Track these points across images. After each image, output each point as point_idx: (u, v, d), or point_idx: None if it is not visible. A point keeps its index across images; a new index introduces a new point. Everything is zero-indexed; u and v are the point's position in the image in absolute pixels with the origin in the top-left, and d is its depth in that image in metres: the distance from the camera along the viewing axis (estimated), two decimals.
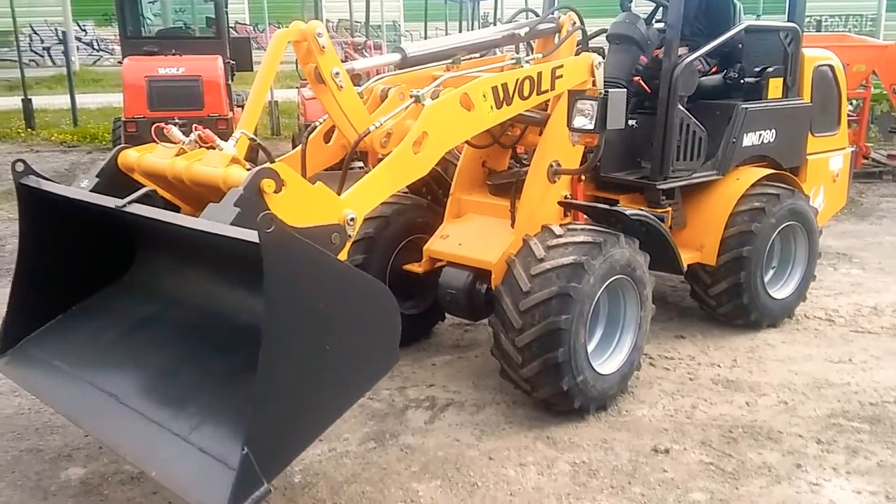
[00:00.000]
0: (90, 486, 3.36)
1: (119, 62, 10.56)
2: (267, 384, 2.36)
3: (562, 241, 3.75)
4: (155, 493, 3.28)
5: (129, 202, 2.85)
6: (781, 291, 5.10)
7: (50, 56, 28.49)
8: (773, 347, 4.82)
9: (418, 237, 4.54)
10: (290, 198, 2.73)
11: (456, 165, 4.77)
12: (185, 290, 3.31)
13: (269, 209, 2.57)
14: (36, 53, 28.09)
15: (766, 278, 4.97)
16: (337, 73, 3.32)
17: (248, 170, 2.80)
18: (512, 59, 4.04)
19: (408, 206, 4.66)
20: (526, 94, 3.86)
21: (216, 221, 2.53)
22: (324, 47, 3.24)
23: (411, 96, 3.50)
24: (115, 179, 3.17)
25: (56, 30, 26.29)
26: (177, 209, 3.20)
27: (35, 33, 28.05)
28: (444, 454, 3.60)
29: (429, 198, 4.85)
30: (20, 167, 3.23)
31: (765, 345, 4.86)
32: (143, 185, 3.11)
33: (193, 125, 3.19)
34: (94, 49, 28.96)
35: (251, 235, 2.27)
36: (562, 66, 4.03)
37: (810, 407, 4.06)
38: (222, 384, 2.83)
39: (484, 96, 3.63)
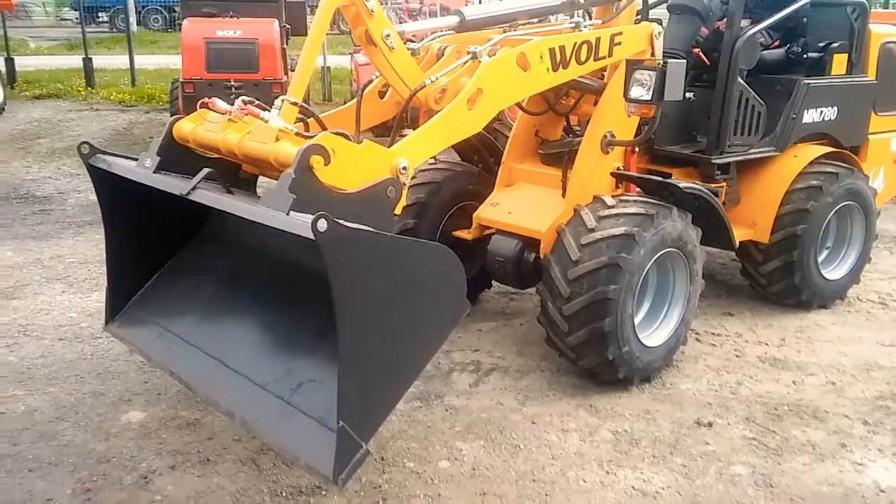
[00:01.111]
0: (149, 429, 3.51)
1: (178, 24, 10.69)
2: (347, 360, 2.49)
3: (613, 211, 3.76)
4: (210, 438, 3.43)
5: (193, 188, 2.90)
6: (835, 272, 5.02)
7: (124, 18, 28.99)
8: (822, 328, 4.76)
9: (468, 204, 4.58)
10: (340, 165, 2.76)
11: (507, 135, 4.78)
12: (262, 245, 3.37)
13: (322, 185, 2.68)
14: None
15: (820, 258, 4.90)
16: (388, 35, 3.33)
17: (298, 135, 2.86)
18: (571, 23, 4.01)
19: (459, 173, 4.69)
20: (583, 58, 3.81)
21: (275, 210, 2.60)
22: (372, 10, 3.25)
23: (468, 52, 3.49)
24: (175, 153, 3.23)
25: None
26: (239, 166, 3.29)
27: None
28: (488, 416, 3.67)
29: (480, 165, 4.88)
30: (85, 149, 3.32)
31: (815, 325, 4.80)
32: (203, 155, 3.19)
33: (238, 96, 3.19)
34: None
35: (308, 231, 2.33)
36: (620, 34, 3.98)
37: (858, 388, 4.02)
38: (314, 342, 2.93)
39: (541, 57, 3.60)
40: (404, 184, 2.95)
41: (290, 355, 2.96)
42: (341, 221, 2.34)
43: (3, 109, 12.42)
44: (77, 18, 23.66)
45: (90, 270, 5.54)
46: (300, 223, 2.40)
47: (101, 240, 6.18)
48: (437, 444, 3.44)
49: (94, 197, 6.90)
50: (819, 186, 4.65)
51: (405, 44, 3.53)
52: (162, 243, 3.59)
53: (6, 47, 15.00)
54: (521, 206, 4.32)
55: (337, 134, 2.85)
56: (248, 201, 2.82)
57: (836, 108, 4.90)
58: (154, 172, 3.16)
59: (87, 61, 14.60)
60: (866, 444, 3.52)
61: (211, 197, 2.88)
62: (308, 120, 3.28)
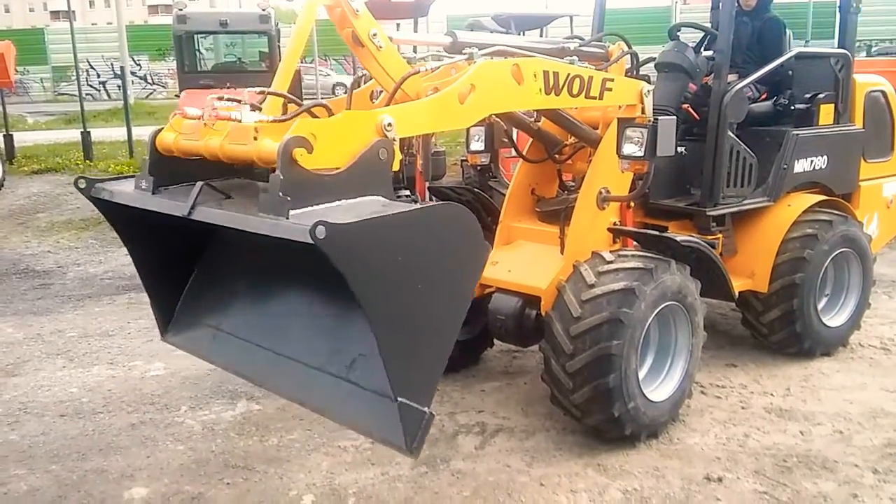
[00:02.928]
0: None
1: (176, 95, 10.90)
2: (384, 341, 2.55)
3: (613, 266, 3.78)
4: None
5: (192, 208, 2.90)
6: (835, 319, 5.03)
7: (106, 90, 29.52)
8: (827, 376, 4.75)
9: None
10: (325, 145, 2.71)
11: (503, 193, 4.84)
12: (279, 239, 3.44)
13: (312, 174, 2.65)
14: (93, 87, 29.19)
15: (820, 306, 4.91)
16: (375, 34, 3.30)
17: (276, 121, 2.86)
18: (567, 59, 3.96)
19: None
20: (575, 91, 3.79)
21: (273, 216, 2.60)
22: (357, 10, 3.22)
23: (464, 52, 3.50)
24: (168, 166, 3.21)
25: (112, 64, 27.26)
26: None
27: (92, 68, 29.16)
28: (495, 479, 3.63)
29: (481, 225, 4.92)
30: (82, 183, 3.36)
31: (819, 373, 4.78)
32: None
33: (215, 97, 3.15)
34: (147, 83, 29.96)
35: (309, 237, 2.33)
36: (612, 80, 4.01)
37: (866, 436, 3.99)
38: (352, 318, 2.90)
39: (535, 76, 3.59)
40: (394, 139, 2.86)
41: (334, 335, 3.01)
42: (339, 221, 2.34)
43: (3, 185, 12.54)
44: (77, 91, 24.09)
45: (90, 344, 5.53)
46: (300, 229, 2.39)
47: (101, 312, 6.24)
48: None
49: (93, 270, 6.87)
50: (814, 234, 4.70)
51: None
52: (185, 252, 3.62)
53: (5, 124, 15.20)
54: (520, 263, 4.35)
55: (316, 107, 2.86)
56: (248, 208, 2.78)
57: (825, 157, 4.99)
58: (153, 193, 3.18)
59: (86, 134, 14.76)
60: (877, 493, 3.48)
61: (211, 213, 2.87)
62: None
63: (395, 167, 2.92)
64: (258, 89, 3.14)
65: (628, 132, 3.97)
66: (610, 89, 4.02)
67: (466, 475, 3.67)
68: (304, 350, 3.09)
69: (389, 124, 2.87)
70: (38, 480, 3.69)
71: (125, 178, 3.49)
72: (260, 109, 3.10)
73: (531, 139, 4.71)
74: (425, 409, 2.59)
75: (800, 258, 4.66)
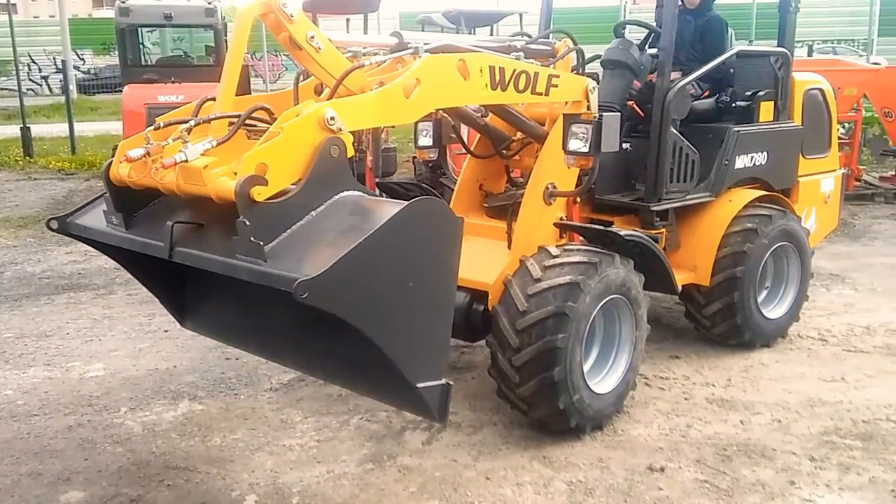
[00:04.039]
0: None
1: (119, 90, 10.66)
2: (384, 343, 2.63)
3: (558, 261, 3.80)
4: None
5: (171, 248, 2.93)
6: (775, 311, 5.15)
7: (48, 85, 28.70)
8: (766, 367, 4.86)
9: None
10: (278, 169, 2.71)
11: (453, 189, 4.84)
12: None
13: (274, 206, 2.68)
14: (34, 82, 28.33)
15: (760, 298, 5.03)
16: (312, 37, 3.28)
17: (220, 144, 2.89)
18: (514, 55, 3.95)
19: None
20: (521, 87, 3.79)
21: (251, 258, 2.62)
22: (292, 15, 3.20)
23: (409, 46, 3.48)
24: (129, 197, 3.19)
25: (54, 59, 26.51)
26: None
27: (34, 62, 28.31)
28: (442, 475, 3.62)
29: None
30: (55, 225, 3.41)
31: (759, 364, 4.89)
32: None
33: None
34: (92, 78, 29.20)
35: (289, 286, 2.37)
36: (558, 77, 4.03)
37: (804, 425, 4.09)
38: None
39: (481, 71, 3.57)
40: (340, 129, 2.84)
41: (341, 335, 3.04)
42: (317, 273, 2.38)
43: None
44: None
45: (27, 345, 5.36)
46: (285, 278, 2.46)
47: (39, 313, 6.07)
48: None
49: (31, 269, 6.68)
50: (754, 229, 4.80)
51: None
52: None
53: None
54: (467, 258, 4.25)
55: (256, 111, 2.97)
56: (225, 242, 2.77)
57: (765, 153, 5.10)
58: (127, 228, 3.19)
59: (25, 130, 14.34)
60: (814, 479, 3.57)
61: (191, 256, 2.88)
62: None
63: (351, 152, 2.90)
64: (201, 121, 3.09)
65: (573, 128, 3.99)
66: (556, 85, 4.04)
67: (413, 471, 3.66)
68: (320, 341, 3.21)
69: (332, 118, 2.84)
70: None
71: (93, 202, 3.49)
72: (207, 121, 3.07)
73: (478, 135, 4.72)
74: (442, 381, 2.76)
75: (740, 252, 4.76)
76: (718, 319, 4.93)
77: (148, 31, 12.59)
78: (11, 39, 15.32)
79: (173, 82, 9.77)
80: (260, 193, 2.65)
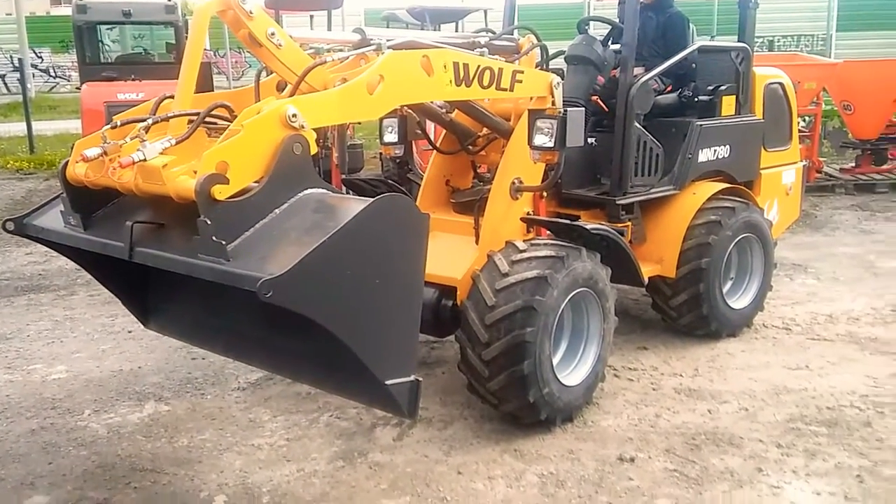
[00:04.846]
0: None
1: (77, 88, 10.46)
2: (351, 340, 2.62)
3: (525, 255, 3.81)
4: None
5: (131, 249, 2.89)
6: (740, 302, 5.23)
7: (5, 84, 28.02)
8: (732, 356, 4.93)
9: None
10: (239, 167, 2.69)
11: (420, 185, 4.83)
12: None
13: (236, 204, 2.65)
14: None
15: (725, 289, 5.09)
16: (272, 34, 3.25)
17: (179, 142, 2.86)
18: (478, 52, 3.93)
19: None
20: (485, 83, 3.79)
21: (213, 257, 2.60)
22: (251, 12, 3.17)
23: (371, 43, 3.47)
24: (87, 197, 3.14)
25: (11, 57, 25.95)
26: None
27: None
28: (413, 470, 3.62)
29: None
30: (10, 226, 3.36)
31: (725, 354, 4.96)
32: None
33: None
34: (50, 76, 28.57)
35: (253, 285, 2.35)
36: (522, 73, 4.03)
37: (770, 413, 4.16)
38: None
39: (444, 67, 3.57)
40: (302, 126, 2.81)
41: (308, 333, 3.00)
42: (281, 272, 2.35)
43: None
44: None
45: None
46: (249, 277, 2.44)
47: None
48: (362, 503, 3.36)
49: None
50: (718, 221, 4.86)
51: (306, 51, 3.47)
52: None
53: None
54: (435, 254, 4.24)
55: (217, 108, 2.94)
56: (186, 241, 2.74)
57: (728, 146, 5.17)
58: (85, 229, 3.14)
59: None
60: (781, 466, 3.63)
61: (151, 256, 2.85)
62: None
63: (314, 149, 2.88)
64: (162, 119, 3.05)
65: (539, 123, 4.01)
66: (520, 81, 4.05)
67: (384, 467, 3.65)
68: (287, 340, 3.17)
69: (294, 115, 2.82)
70: None
71: (50, 202, 3.45)
72: (165, 119, 3.02)
73: (444, 131, 4.71)
74: (411, 377, 2.76)
75: (705, 244, 4.82)
76: (685, 310, 4.99)
77: (107, 29, 12.37)
78: None
79: (133, 80, 9.61)
80: (221, 192, 2.63)
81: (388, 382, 2.72)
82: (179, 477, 3.60)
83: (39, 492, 3.48)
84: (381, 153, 9.57)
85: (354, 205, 2.70)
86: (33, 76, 24.85)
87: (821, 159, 10.81)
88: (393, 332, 2.76)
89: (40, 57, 28.06)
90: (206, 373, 4.74)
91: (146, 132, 2.92)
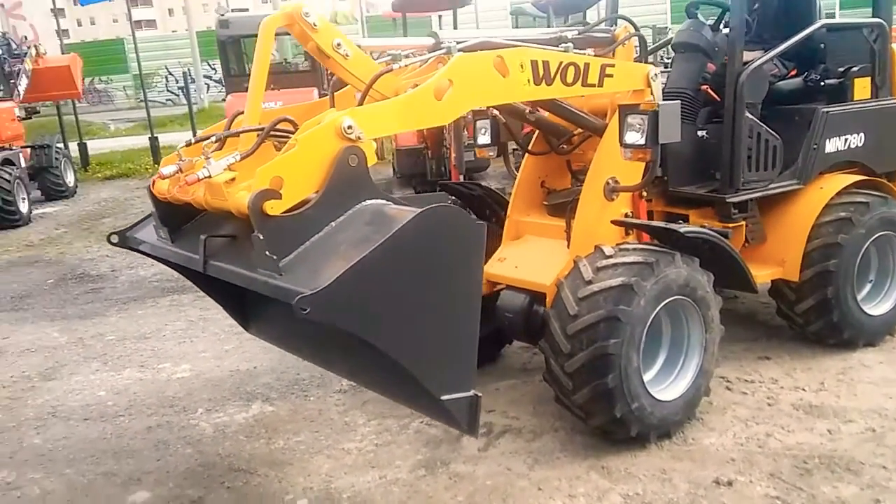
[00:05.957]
0: None
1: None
2: (406, 358, 2.58)
3: (611, 261, 3.62)
4: None
5: (205, 262, 3.03)
6: (879, 307, 4.69)
7: (185, 95, 30.55)
8: (868, 368, 4.43)
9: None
10: (294, 182, 2.70)
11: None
12: None
13: (289, 220, 2.68)
14: (172, 93, 30.25)
15: (862, 293, 4.60)
16: (339, 44, 3.24)
17: (244, 158, 2.92)
18: (562, 47, 3.74)
19: None
20: (569, 80, 3.62)
21: (269, 272, 2.65)
22: (315, 24, 3.17)
23: (442, 46, 3.39)
24: (174, 211, 3.31)
25: (189, 70, 28.23)
26: None
27: (170, 74, 30.21)
28: (493, 483, 3.53)
29: (493, 220, 4.81)
30: (114, 239, 3.65)
31: (859, 366, 4.47)
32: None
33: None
34: (223, 86, 30.78)
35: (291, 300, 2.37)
36: (613, 66, 3.83)
37: None
38: None
39: (521, 66, 3.44)
40: (359, 138, 2.79)
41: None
42: (318, 288, 2.34)
43: (75, 192, 13.13)
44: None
45: (126, 347, 5.70)
46: (290, 292, 2.44)
47: (143, 315, 6.43)
48: None
49: (143, 273, 7.12)
50: (849, 218, 4.38)
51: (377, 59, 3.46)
52: None
53: (79, 132, 15.94)
54: (527, 259, 4.22)
55: (281, 123, 2.96)
56: (251, 263, 2.79)
57: (863, 134, 4.64)
58: (172, 242, 3.32)
59: (153, 139, 15.36)
60: None
61: (221, 270, 2.97)
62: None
63: (372, 160, 2.85)
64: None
65: (629, 119, 3.77)
66: (610, 75, 3.83)
67: (464, 478, 3.59)
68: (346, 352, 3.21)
69: (349, 126, 2.80)
70: (52, 484, 3.82)
71: (149, 217, 3.64)
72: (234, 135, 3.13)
73: (535, 131, 4.57)
74: (470, 393, 2.67)
75: (833, 244, 4.36)
76: (812, 317, 4.54)
77: (249, 41, 13.13)
78: (136, 55, 16.54)
79: (273, 89, 10.09)
80: (273, 207, 2.66)
81: (444, 398, 2.64)
82: (269, 479, 3.73)
83: (144, 488, 3.73)
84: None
85: (402, 216, 2.64)
86: (207, 88, 26.88)
87: None
88: (448, 347, 2.68)
89: (213, 69, 30.34)
90: (314, 374, 4.89)
91: (216, 148, 3.04)
